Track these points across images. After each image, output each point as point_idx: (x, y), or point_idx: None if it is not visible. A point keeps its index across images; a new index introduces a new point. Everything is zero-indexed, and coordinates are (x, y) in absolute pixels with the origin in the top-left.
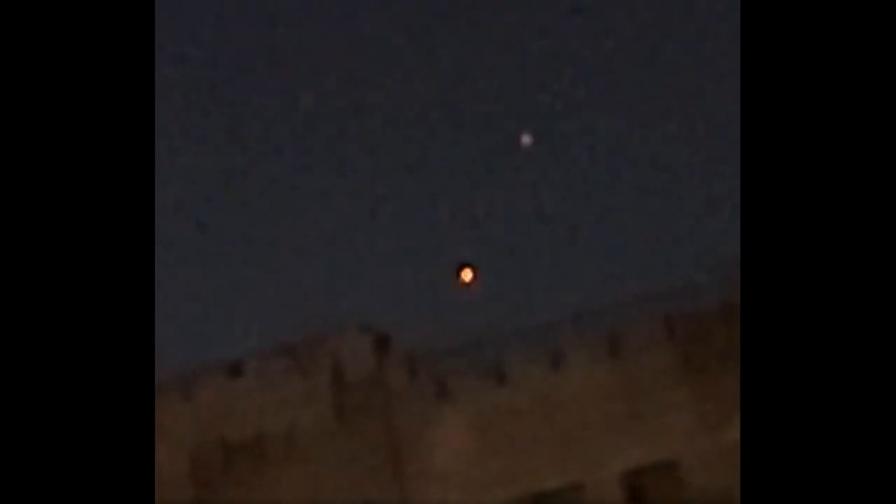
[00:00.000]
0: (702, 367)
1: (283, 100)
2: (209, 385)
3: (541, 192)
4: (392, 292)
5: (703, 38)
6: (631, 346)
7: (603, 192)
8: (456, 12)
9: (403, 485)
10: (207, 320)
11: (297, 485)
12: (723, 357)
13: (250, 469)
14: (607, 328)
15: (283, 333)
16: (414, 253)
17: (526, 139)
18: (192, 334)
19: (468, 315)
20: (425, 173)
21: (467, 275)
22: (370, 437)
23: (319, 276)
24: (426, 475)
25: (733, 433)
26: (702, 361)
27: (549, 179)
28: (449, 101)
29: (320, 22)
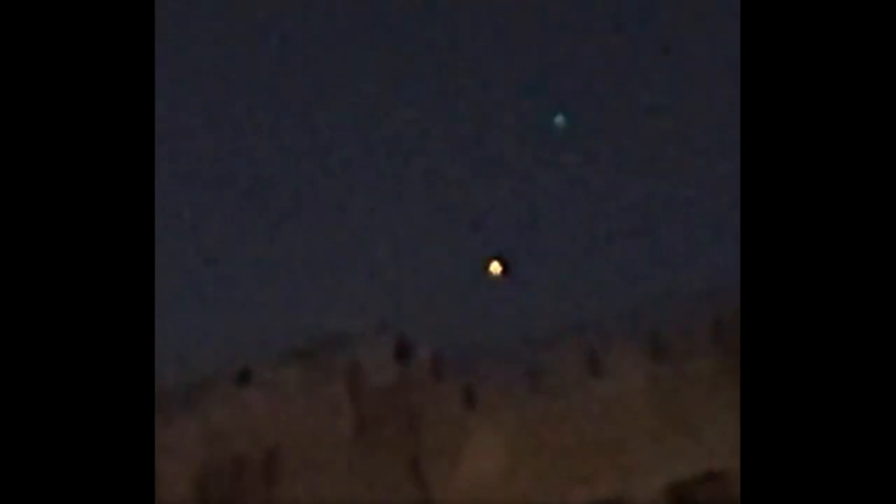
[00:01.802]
0: None
1: (304, 91)
2: (216, 395)
3: (576, 186)
4: (416, 290)
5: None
6: (674, 350)
7: (644, 187)
8: None
9: (428, 502)
10: (213, 324)
11: (313, 503)
12: None
13: (262, 486)
14: (649, 330)
15: (296, 337)
16: (439, 247)
17: (559, 120)
18: (197, 339)
19: (499, 316)
20: (453, 162)
21: (496, 268)
22: (392, 449)
23: (335, 273)
24: (453, 491)
25: None
26: None
27: (585, 173)
28: (477, 89)
29: (342, 3)
